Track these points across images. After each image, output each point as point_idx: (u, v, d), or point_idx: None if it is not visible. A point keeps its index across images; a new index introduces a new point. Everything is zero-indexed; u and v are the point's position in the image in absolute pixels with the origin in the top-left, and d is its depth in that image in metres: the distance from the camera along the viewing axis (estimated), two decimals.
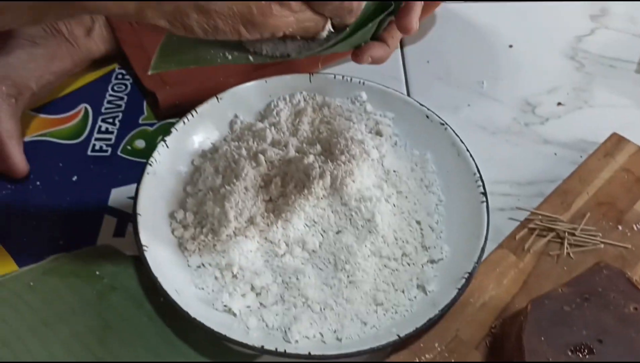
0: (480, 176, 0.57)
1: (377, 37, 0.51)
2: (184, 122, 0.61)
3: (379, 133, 0.64)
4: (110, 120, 0.67)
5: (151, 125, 0.67)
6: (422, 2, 0.47)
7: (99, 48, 0.70)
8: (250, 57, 0.46)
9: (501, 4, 0.84)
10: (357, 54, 0.48)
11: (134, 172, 0.61)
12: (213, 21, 0.36)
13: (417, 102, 0.64)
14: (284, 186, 0.58)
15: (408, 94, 0.72)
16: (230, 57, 0.45)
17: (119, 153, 0.64)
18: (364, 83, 0.66)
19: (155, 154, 0.58)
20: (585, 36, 0.79)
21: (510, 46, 0.78)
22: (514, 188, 0.63)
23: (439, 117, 0.62)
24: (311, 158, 0.59)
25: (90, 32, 0.69)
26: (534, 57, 0.77)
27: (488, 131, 0.68)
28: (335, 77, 0.66)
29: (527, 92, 0.72)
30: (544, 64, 0.76)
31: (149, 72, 0.44)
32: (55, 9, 0.35)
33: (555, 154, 0.66)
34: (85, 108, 0.68)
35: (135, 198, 0.54)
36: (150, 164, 0.57)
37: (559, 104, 0.71)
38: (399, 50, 0.77)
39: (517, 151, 0.66)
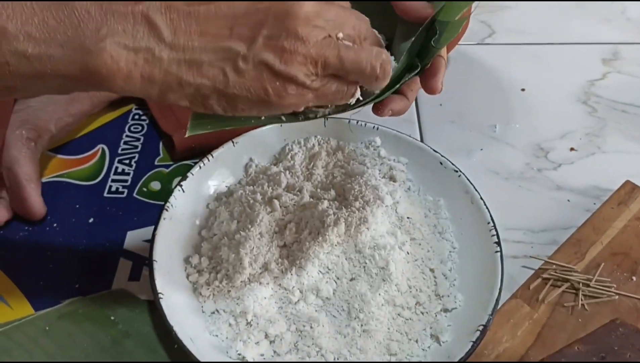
0: (494, 225, 0.58)
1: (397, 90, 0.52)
2: (200, 167, 0.62)
3: (392, 179, 0.65)
4: (127, 161, 0.68)
5: (167, 166, 0.68)
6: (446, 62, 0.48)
7: None
8: (283, 118, 0.46)
9: (514, 47, 0.85)
10: (378, 108, 0.49)
11: (150, 214, 0.62)
12: (232, 102, 0.37)
13: (431, 148, 0.64)
14: (299, 232, 0.59)
15: (421, 137, 0.73)
16: (263, 117, 0.46)
17: (134, 194, 0.65)
18: (378, 128, 0.66)
19: (172, 199, 0.59)
20: (597, 80, 0.80)
21: (523, 90, 0.79)
22: (527, 235, 0.63)
23: (453, 163, 0.63)
24: (325, 203, 0.60)
25: None
26: (547, 101, 0.77)
27: (501, 176, 0.69)
28: (349, 121, 0.67)
29: (539, 137, 0.73)
30: (556, 108, 0.77)
31: (186, 135, 0.45)
32: (83, 87, 0.37)
33: (569, 200, 0.66)
34: (103, 149, 0.69)
35: (151, 244, 0.55)
36: (167, 210, 0.58)
37: (572, 149, 0.72)
38: None
39: (530, 197, 0.67)
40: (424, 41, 0.47)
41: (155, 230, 0.56)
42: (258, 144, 0.66)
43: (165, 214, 0.57)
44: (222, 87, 0.37)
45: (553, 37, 0.87)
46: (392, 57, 0.48)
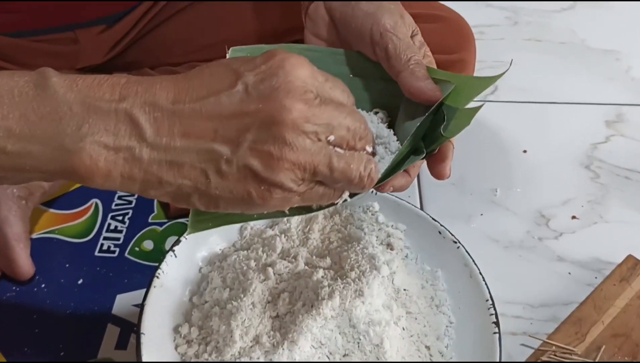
0: (493, 303, 0.57)
1: None
2: None
3: (390, 246, 0.64)
4: (120, 217, 0.67)
5: (160, 224, 0.67)
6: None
7: None
8: (287, 211, 0.44)
9: (516, 105, 0.85)
10: (380, 186, 0.48)
11: (141, 276, 0.61)
12: (214, 201, 0.37)
13: (430, 216, 0.63)
14: (292, 302, 0.58)
15: (420, 200, 0.72)
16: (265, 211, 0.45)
17: (126, 254, 0.64)
18: (376, 193, 0.65)
19: (164, 265, 0.57)
20: (600, 144, 0.79)
21: (525, 151, 0.78)
22: (527, 310, 0.62)
23: (452, 234, 0.62)
24: (320, 273, 0.58)
25: None
26: (549, 164, 0.77)
27: (501, 244, 0.68)
28: None
29: (541, 202, 0.72)
30: (558, 172, 0.76)
31: (186, 235, 0.44)
32: (65, 180, 0.36)
33: (570, 273, 0.65)
34: (96, 204, 0.68)
35: (140, 315, 0.54)
36: (158, 277, 0.56)
37: (574, 217, 0.71)
38: None
39: (530, 268, 0.66)
40: (431, 125, 0.45)
41: (144, 299, 0.55)
42: None
43: (155, 282, 0.56)
44: (204, 188, 0.36)
45: (556, 96, 0.86)
46: (395, 137, 0.46)
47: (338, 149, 0.37)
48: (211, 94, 0.34)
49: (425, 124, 0.45)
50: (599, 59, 0.93)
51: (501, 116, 0.83)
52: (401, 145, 0.45)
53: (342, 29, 0.49)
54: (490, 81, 0.45)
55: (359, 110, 0.48)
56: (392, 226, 0.65)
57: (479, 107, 0.44)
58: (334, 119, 0.36)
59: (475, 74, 0.79)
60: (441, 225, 0.63)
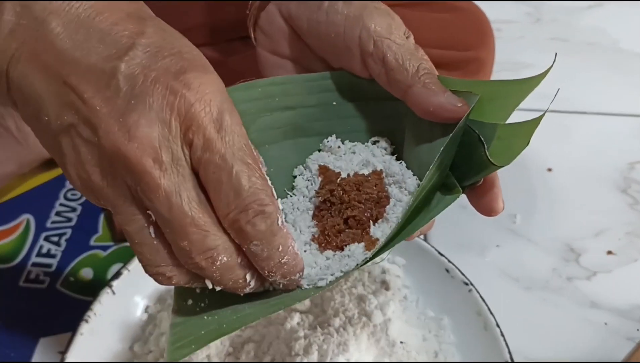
0: None
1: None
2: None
3: (385, 285, 0.52)
4: (55, 238, 0.55)
5: (105, 248, 0.55)
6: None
7: None
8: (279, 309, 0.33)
9: (537, 116, 0.73)
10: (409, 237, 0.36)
11: (73, 314, 0.49)
12: None
13: (435, 249, 0.52)
14: (258, 356, 0.47)
15: None
16: (249, 310, 0.32)
17: (58, 285, 0.53)
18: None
19: (96, 305, 0.46)
20: (638, 163, 0.67)
21: (549, 170, 0.67)
22: None
23: (462, 273, 0.50)
24: (296, 319, 0.48)
25: None
26: (578, 186, 0.65)
27: (521, 284, 0.56)
28: None
29: (569, 233, 0.61)
30: (589, 196, 0.65)
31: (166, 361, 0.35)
32: None
33: (606, 324, 0.54)
34: (27, 221, 0.57)
35: None
36: (87, 321, 0.45)
37: (610, 253, 0.59)
38: None
39: (557, 315, 0.54)
40: (460, 151, 0.34)
41: (66, 349, 0.43)
42: None
43: (83, 327, 0.45)
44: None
45: (586, 105, 0.75)
46: (410, 171, 0.35)
47: None
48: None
49: (451, 151, 0.33)
50: (633, 63, 0.81)
51: None
52: (420, 181, 0.34)
53: (314, 42, 0.36)
54: (531, 83, 0.34)
55: (353, 144, 0.38)
56: (389, 259, 0.54)
57: (538, 119, 0.32)
58: None
59: (492, 78, 0.68)
60: (449, 261, 0.51)
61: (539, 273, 0.57)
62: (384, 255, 0.32)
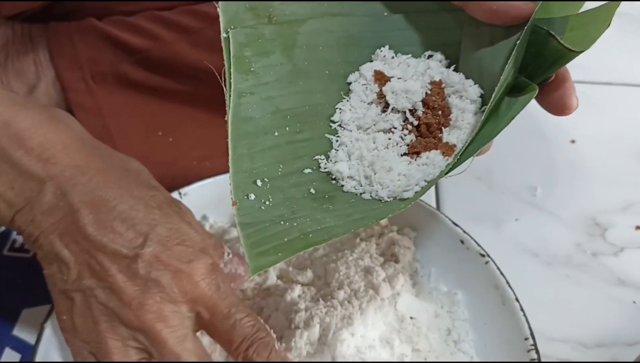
0: (534, 343, 0.41)
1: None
2: None
3: (394, 257, 0.48)
4: None
5: None
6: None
7: None
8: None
9: None
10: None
11: None
12: None
13: (450, 219, 0.48)
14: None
15: (437, 198, 0.57)
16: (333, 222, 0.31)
17: None
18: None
19: None
20: None
21: (573, 142, 0.63)
22: (577, 350, 0.47)
23: (478, 244, 0.46)
24: (297, 290, 0.45)
25: (34, 89, 0.55)
26: (603, 158, 0.62)
27: (541, 259, 0.53)
28: None
29: (594, 207, 0.57)
30: (615, 168, 0.61)
31: (249, 277, 0.36)
32: None
33: (634, 302, 0.50)
34: None
35: (37, 343, 0.39)
36: None
37: (638, 228, 0.55)
38: None
39: (581, 293, 0.51)
40: (526, 54, 0.33)
41: (46, 319, 0.40)
42: (215, 196, 0.50)
43: None
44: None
45: (612, 76, 0.71)
46: (471, 80, 0.34)
47: None
48: None
49: (522, 49, 0.32)
50: None
51: None
52: (482, 89, 0.34)
53: None
54: None
55: (407, 56, 0.37)
56: (397, 230, 0.50)
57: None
58: None
59: None
60: (464, 232, 0.47)
61: (562, 248, 0.53)
62: (464, 165, 0.31)
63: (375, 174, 0.33)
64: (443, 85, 0.34)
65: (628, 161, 0.61)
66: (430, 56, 0.37)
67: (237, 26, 0.35)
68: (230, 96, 0.34)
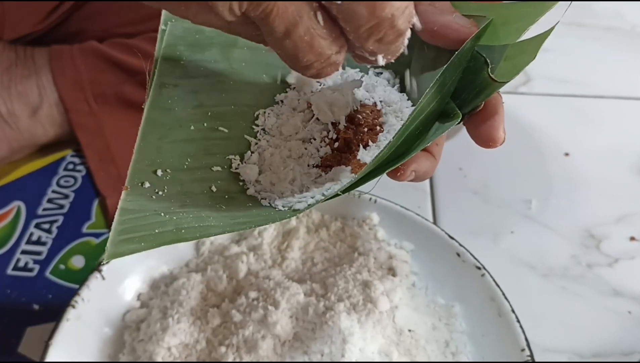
0: (531, 353, 0.42)
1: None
2: None
3: (392, 271, 0.49)
4: (47, 225, 0.53)
5: (97, 236, 0.53)
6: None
7: (46, 132, 0.57)
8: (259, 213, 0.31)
9: (554, 98, 0.70)
10: (397, 170, 0.33)
11: (62, 303, 0.47)
12: None
13: (446, 232, 0.49)
14: None
15: (434, 212, 0.58)
16: (214, 222, 0.30)
17: (47, 273, 0.50)
18: (375, 201, 0.51)
19: (84, 290, 0.44)
20: None
21: (567, 155, 0.64)
22: (573, 361, 0.47)
23: (474, 257, 0.47)
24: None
25: (37, 111, 0.56)
26: (597, 170, 0.62)
27: (538, 271, 0.53)
28: None
29: (589, 219, 0.58)
30: (608, 181, 0.62)
31: (104, 261, 0.35)
32: None
33: (630, 312, 0.50)
34: (18, 208, 0.55)
35: (42, 358, 0.40)
36: (74, 306, 0.43)
37: (633, 239, 0.56)
38: None
39: (577, 304, 0.51)
40: (463, 79, 0.32)
41: (50, 336, 0.41)
42: None
43: (70, 313, 0.42)
44: None
45: (603, 90, 0.72)
46: (410, 102, 0.34)
47: None
48: None
49: (453, 75, 0.31)
50: None
51: (536, 111, 0.68)
52: None
53: None
54: (544, 6, 0.32)
55: (355, 71, 0.37)
56: (396, 244, 0.51)
57: (549, 31, 0.30)
58: None
59: None
60: (460, 245, 0.48)
61: (557, 260, 0.54)
62: (372, 183, 0.30)
63: (279, 182, 0.32)
64: (379, 107, 0.34)
65: (621, 173, 0.62)
66: (379, 73, 0.37)
67: (178, 20, 0.34)
68: (151, 85, 0.34)
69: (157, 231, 0.29)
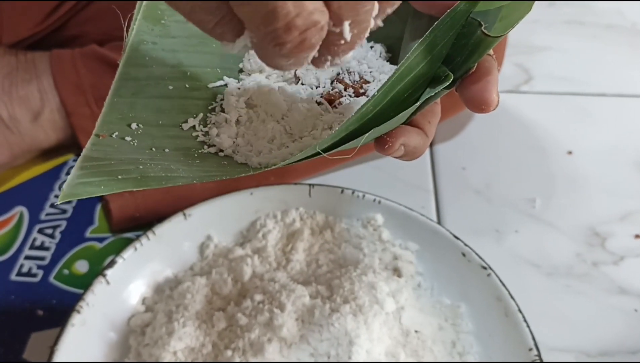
0: (539, 353, 0.42)
1: (407, 121, 0.34)
2: (135, 249, 0.46)
3: (397, 272, 0.49)
4: (50, 231, 0.53)
5: (101, 240, 0.53)
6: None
7: (47, 137, 0.57)
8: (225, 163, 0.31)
9: (556, 97, 0.70)
10: (384, 141, 0.32)
11: (66, 308, 0.47)
12: None
13: (451, 233, 0.49)
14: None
15: (437, 211, 0.57)
16: (183, 174, 0.29)
17: (51, 278, 0.50)
18: (380, 202, 0.51)
19: (89, 295, 0.43)
20: None
21: (570, 153, 0.63)
22: (580, 360, 0.47)
23: (480, 257, 0.47)
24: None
25: (38, 116, 0.56)
26: (600, 168, 0.62)
27: (542, 270, 0.53)
28: (342, 191, 0.51)
29: (593, 217, 0.57)
30: (612, 178, 0.61)
31: (57, 202, 0.30)
32: None
33: (636, 310, 0.50)
34: (21, 213, 0.54)
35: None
36: (79, 311, 0.42)
37: (638, 236, 0.56)
38: (427, 151, 0.63)
39: (582, 303, 0.51)
40: (457, 44, 0.30)
41: (56, 342, 0.41)
42: (219, 217, 0.51)
43: (75, 318, 0.42)
44: None
45: (605, 88, 0.71)
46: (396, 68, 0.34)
47: None
48: None
49: (445, 37, 0.29)
50: None
51: (538, 109, 0.68)
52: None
53: None
54: None
55: None
56: (401, 245, 0.51)
57: None
58: None
59: (505, 62, 0.65)
60: (465, 245, 0.48)
61: (562, 258, 0.54)
62: (356, 141, 0.29)
63: (257, 141, 0.32)
64: (366, 76, 0.34)
65: (625, 171, 0.62)
66: (372, 47, 0.37)
67: None
68: (129, 41, 0.33)
69: (120, 177, 0.29)
